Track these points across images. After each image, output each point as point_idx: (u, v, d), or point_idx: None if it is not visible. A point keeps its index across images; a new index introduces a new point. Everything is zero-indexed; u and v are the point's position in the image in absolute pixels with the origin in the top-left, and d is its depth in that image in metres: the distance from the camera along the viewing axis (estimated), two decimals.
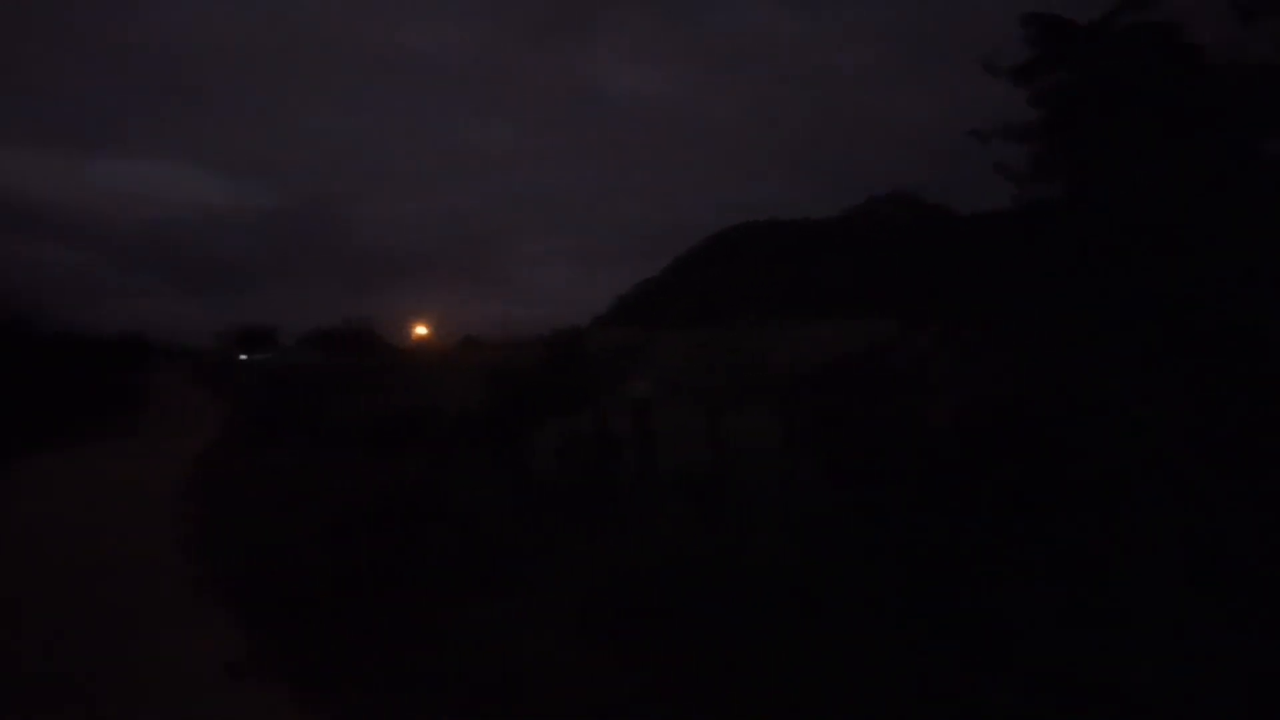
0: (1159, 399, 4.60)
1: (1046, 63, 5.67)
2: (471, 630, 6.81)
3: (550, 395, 13.74)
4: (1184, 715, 3.58)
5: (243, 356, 68.94)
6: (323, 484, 12.70)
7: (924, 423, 6.46)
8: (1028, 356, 6.00)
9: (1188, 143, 4.95)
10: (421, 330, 46.59)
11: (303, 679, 5.94)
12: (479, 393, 16.02)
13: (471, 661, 6.22)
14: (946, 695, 4.30)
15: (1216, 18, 5.33)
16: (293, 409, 24.28)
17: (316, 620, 7.10)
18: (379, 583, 7.90)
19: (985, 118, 6.41)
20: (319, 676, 5.98)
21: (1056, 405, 5.20)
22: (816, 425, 7.87)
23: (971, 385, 6.21)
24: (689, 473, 9.34)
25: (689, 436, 11.17)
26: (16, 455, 19.12)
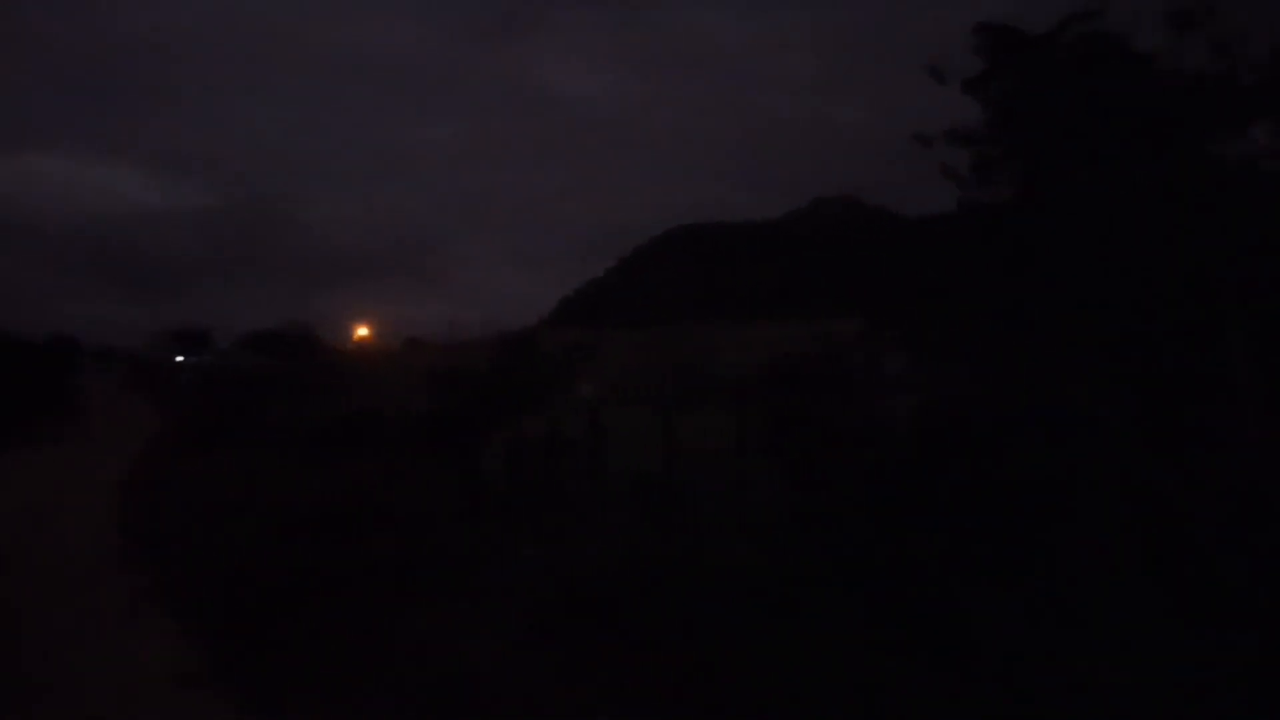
0: (1109, 399, 4.70)
1: (997, 71, 5.77)
2: (421, 636, 6.71)
3: (500, 398, 13.61)
4: (1146, 712, 3.66)
5: (179, 359, 67.18)
6: (265, 489, 12.39)
7: (880, 425, 6.52)
8: (977, 358, 6.09)
9: (1135, 148, 5.07)
10: (363, 331, 45.84)
11: (251, 689, 5.78)
12: (425, 395, 15.81)
13: (421, 668, 6.12)
14: (907, 694, 4.33)
15: (1155, 28, 5.48)
16: (231, 412, 23.71)
17: (263, 628, 6.92)
18: (326, 589, 7.73)
19: (927, 122, 6.50)
20: (267, 686, 5.82)
21: (1007, 406, 5.29)
22: (773, 427, 7.90)
23: (925, 387, 6.28)
24: (641, 475, 9.32)
25: (641, 439, 11.14)
26: None
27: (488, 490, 10.58)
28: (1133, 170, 5.01)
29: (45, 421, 32.57)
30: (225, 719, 5.41)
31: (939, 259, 7.14)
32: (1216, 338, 4.37)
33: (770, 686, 4.96)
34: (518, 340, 17.76)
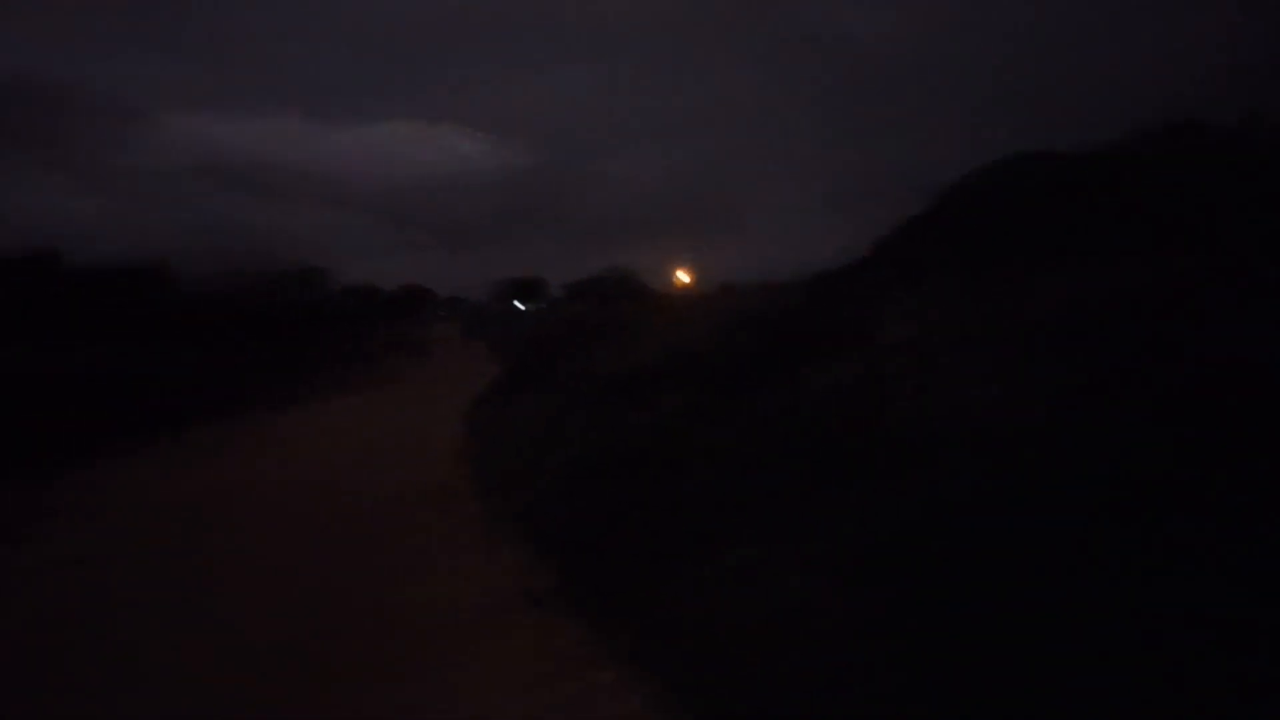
0: None
1: None
2: (743, 571, 6.59)
3: (814, 338, 13.13)
4: None
5: (516, 305, 73.06)
6: (588, 428, 12.97)
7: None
8: None
9: None
10: (681, 277, 46.98)
11: (594, 610, 6.04)
12: (739, 337, 15.70)
13: (744, 602, 6.00)
14: None
15: None
16: (559, 357, 25.23)
17: (602, 556, 7.18)
18: (641, 525, 7.85)
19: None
20: (609, 608, 6.01)
21: None
22: (1141, 366, 6.80)
23: None
24: (978, 420, 8.48)
25: (967, 380, 10.22)
26: (318, 398, 21.32)
27: (804, 430, 10.21)
28: None
29: (400, 362, 36.90)
30: (575, 634, 5.66)
31: None
32: None
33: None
34: (831, 281, 17.14)
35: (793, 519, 7.48)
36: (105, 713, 4.70)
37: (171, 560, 7.26)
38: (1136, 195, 11.18)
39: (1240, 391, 5.43)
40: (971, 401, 9.40)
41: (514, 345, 39.89)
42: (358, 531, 8.14)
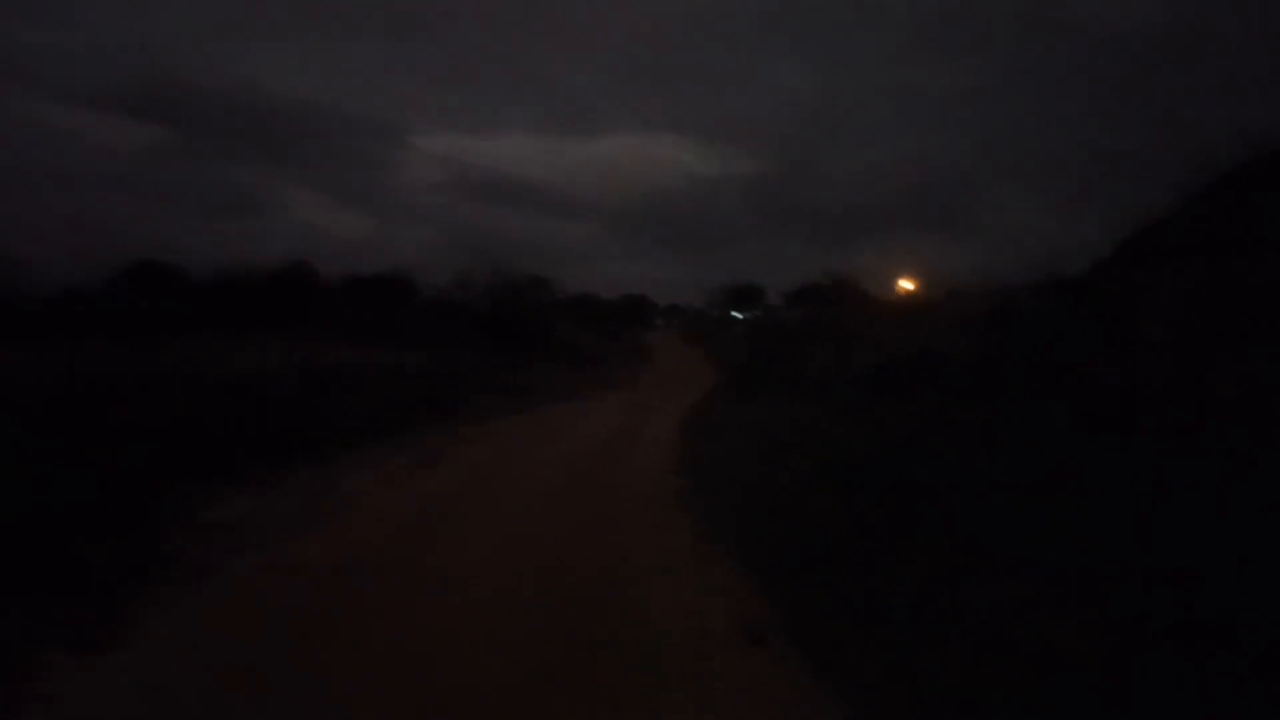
0: None
1: None
2: (992, 606, 5.72)
3: (1061, 345, 11.76)
4: None
5: (734, 314, 73.06)
6: (812, 437, 12.27)
7: None
8: None
9: None
10: (903, 282, 45.08)
11: (819, 650, 5.32)
12: (969, 342, 14.46)
13: (998, 643, 5.16)
14: None
15: None
16: (779, 363, 24.59)
17: (827, 583, 6.49)
18: (876, 546, 7.08)
19: None
20: (836, 648, 5.32)
21: None
22: None
23: None
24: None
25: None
26: (540, 404, 21.87)
27: (1054, 446, 9.02)
28: None
29: (620, 369, 37.44)
30: (799, 679, 4.99)
31: None
32: None
33: None
34: (1076, 283, 15.48)
35: (1058, 546, 6.49)
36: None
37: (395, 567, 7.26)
38: None
39: None
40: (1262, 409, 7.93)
41: (732, 352, 39.57)
42: (567, 550, 7.82)
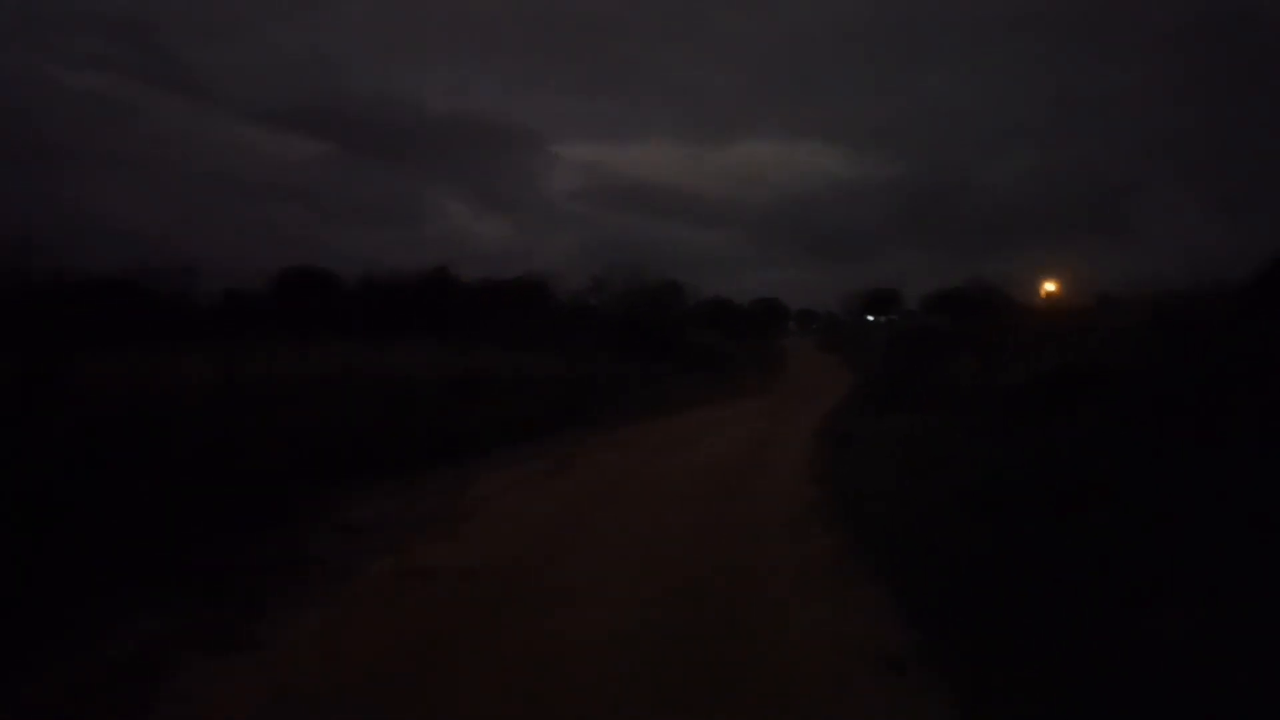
0: None
1: None
2: (1152, 646, 5.09)
3: (1247, 356, 10.67)
4: None
5: (869, 318, 71.37)
6: (960, 453, 11.58)
7: None
8: None
9: None
10: (1050, 288, 42.74)
11: (970, 690, 4.85)
12: (1135, 353, 13.38)
13: (1159, 688, 4.58)
14: None
15: None
16: (917, 372, 23.63)
17: (972, 608, 5.98)
18: (1033, 574, 6.49)
19: None
20: (988, 690, 4.83)
21: None
22: None
23: None
24: None
25: None
26: (674, 410, 21.68)
27: (1242, 472, 8.14)
28: None
29: (754, 375, 36.92)
30: (944, 718, 4.56)
31: None
32: None
33: None
34: (1252, 290, 14.12)
35: (1250, 580, 5.78)
36: None
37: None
38: None
39: None
40: None
41: (869, 360, 38.44)
42: (698, 562, 7.53)
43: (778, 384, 34.63)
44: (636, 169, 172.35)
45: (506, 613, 6.05)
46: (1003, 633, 5.57)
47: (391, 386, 15.44)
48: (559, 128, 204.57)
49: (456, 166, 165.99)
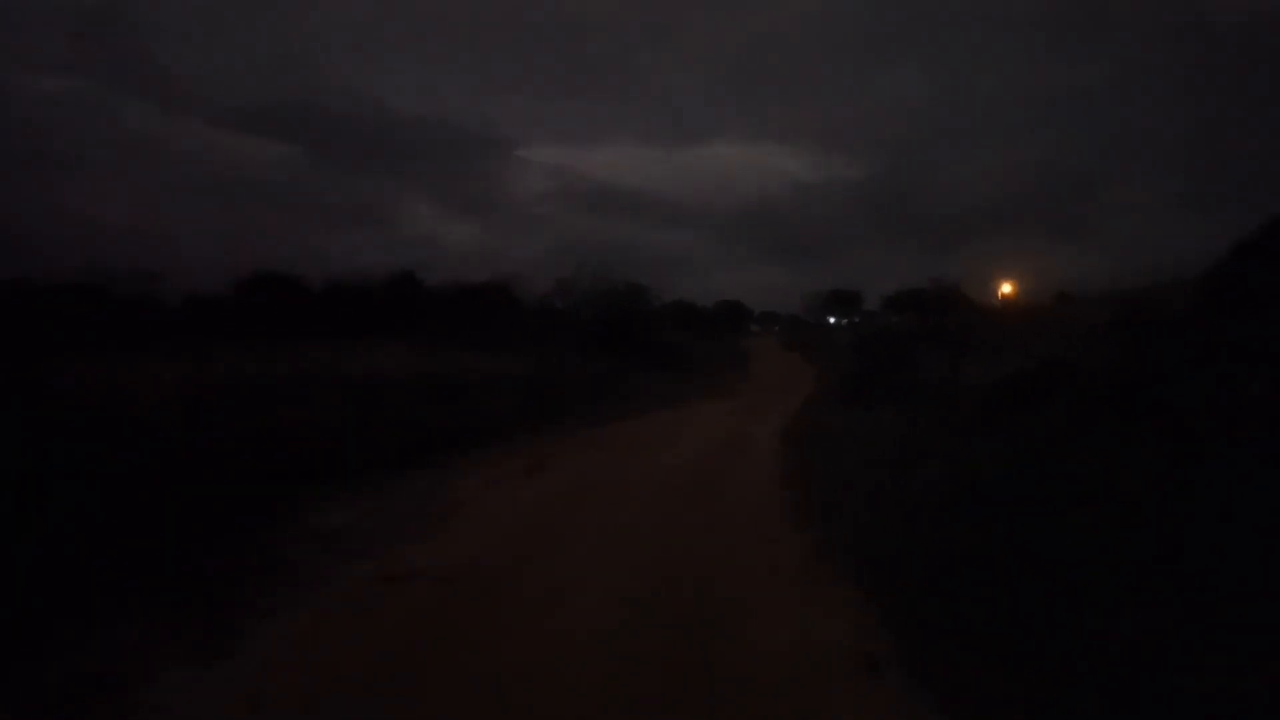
0: None
1: None
2: (1127, 643, 5.19)
3: (1209, 347, 10.88)
4: None
5: (830, 320, 71.97)
6: (930, 450, 11.70)
7: None
8: None
9: None
10: (1007, 288, 43.44)
11: (946, 688, 4.90)
12: (1098, 350, 13.61)
13: (1134, 685, 4.71)
14: None
15: None
16: (882, 371, 23.83)
17: (944, 608, 6.05)
18: (1006, 570, 6.58)
19: None
20: (964, 689, 4.89)
21: None
22: None
23: None
24: None
25: None
26: (639, 411, 21.67)
27: (1208, 466, 8.31)
28: None
29: (718, 375, 37.03)
30: (922, 716, 4.61)
31: None
32: None
33: None
34: (1208, 284, 14.42)
35: (1218, 575, 5.90)
36: None
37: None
38: None
39: None
40: None
41: (832, 358, 38.71)
42: (672, 563, 7.54)
43: (745, 384, 34.72)
44: (603, 172, 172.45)
45: (484, 619, 6.02)
46: (980, 631, 5.63)
47: (361, 390, 15.28)
48: (527, 130, 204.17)
49: (426, 169, 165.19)
